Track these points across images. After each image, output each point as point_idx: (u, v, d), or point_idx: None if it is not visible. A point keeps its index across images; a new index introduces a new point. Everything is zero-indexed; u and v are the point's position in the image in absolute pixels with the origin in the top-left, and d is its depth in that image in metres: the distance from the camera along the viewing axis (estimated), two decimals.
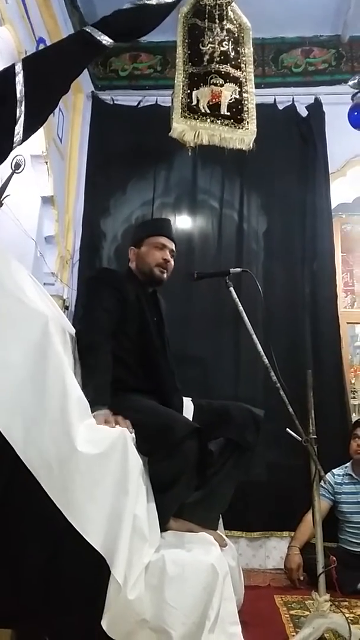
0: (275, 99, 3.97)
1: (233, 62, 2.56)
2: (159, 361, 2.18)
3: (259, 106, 3.79)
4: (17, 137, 1.95)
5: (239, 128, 2.51)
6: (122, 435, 1.66)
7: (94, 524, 1.50)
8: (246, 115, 2.55)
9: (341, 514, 3.04)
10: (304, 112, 3.97)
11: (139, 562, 1.54)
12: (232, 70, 2.55)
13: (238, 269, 2.41)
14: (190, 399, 2.33)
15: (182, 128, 2.41)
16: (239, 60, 2.59)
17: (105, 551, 1.47)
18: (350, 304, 4.45)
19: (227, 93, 2.51)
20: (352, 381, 4.11)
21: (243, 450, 2.21)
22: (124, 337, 2.11)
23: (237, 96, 2.53)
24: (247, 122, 2.54)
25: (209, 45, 2.53)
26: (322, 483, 2.49)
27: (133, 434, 1.75)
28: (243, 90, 2.56)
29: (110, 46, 2.21)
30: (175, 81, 2.50)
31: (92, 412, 1.74)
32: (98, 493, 1.54)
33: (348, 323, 4.19)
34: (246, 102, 2.56)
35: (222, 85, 2.51)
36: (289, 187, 3.85)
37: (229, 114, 2.50)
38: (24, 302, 1.71)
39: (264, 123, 3.68)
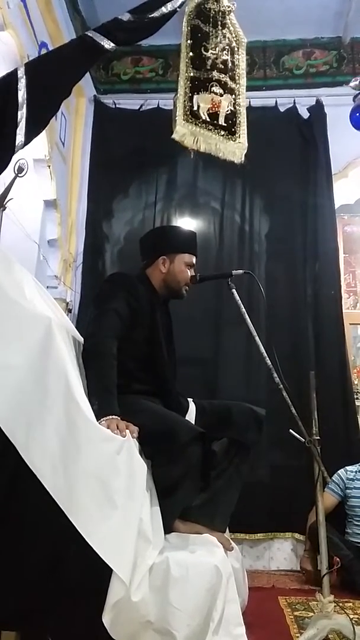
0: (276, 101, 3.99)
1: (230, 73, 2.60)
2: (164, 369, 2.17)
3: (261, 108, 3.85)
4: (19, 140, 1.96)
5: (232, 140, 2.54)
6: (127, 439, 1.66)
7: (98, 527, 1.49)
8: (238, 129, 2.58)
9: (350, 509, 3.08)
10: (305, 114, 3.98)
11: (143, 564, 1.54)
12: (229, 82, 2.59)
13: (240, 271, 2.40)
14: (192, 399, 2.33)
15: (183, 132, 2.42)
16: (234, 72, 2.63)
17: (107, 554, 1.45)
18: (352, 305, 4.45)
19: (225, 104, 2.55)
20: (355, 382, 4.10)
21: (247, 450, 2.22)
22: (132, 343, 2.09)
23: (232, 108, 2.57)
24: (239, 135, 2.57)
25: (211, 51, 2.55)
26: (333, 478, 2.50)
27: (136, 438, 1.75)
28: (237, 102, 2.59)
29: (112, 49, 2.22)
30: (179, 83, 2.51)
31: (101, 419, 1.72)
32: (103, 495, 1.53)
33: (351, 324, 4.19)
34: (239, 115, 2.60)
35: (221, 95, 2.54)
36: (291, 189, 3.85)
37: (225, 125, 2.53)
38: (27, 305, 1.72)
39: (266, 125, 3.71)
